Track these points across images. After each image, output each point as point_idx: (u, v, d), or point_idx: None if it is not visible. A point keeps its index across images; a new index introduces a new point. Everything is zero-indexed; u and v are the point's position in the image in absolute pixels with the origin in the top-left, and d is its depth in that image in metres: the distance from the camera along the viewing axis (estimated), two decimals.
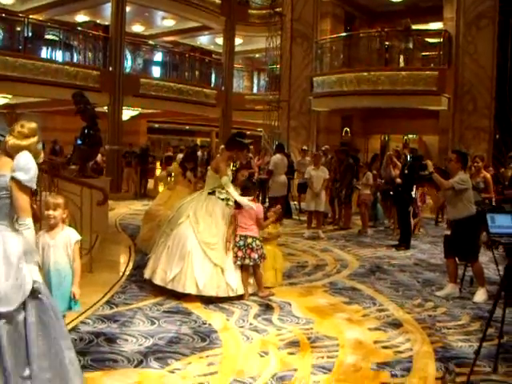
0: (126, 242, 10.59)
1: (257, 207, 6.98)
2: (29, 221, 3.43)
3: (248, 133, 24.00)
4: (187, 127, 31.66)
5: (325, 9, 20.82)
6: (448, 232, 7.37)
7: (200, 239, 6.65)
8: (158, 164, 23.10)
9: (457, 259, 7.35)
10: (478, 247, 7.40)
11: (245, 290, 6.75)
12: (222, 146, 18.74)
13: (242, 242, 6.74)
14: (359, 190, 13.58)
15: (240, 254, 6.69)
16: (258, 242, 6.86)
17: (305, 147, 16.94)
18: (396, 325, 5.98)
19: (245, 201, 6.85)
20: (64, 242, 4.45)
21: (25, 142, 3.51)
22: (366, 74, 18.20)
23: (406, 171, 11.02)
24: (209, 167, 7.80)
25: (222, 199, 7.10)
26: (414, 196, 11.48)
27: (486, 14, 17.40)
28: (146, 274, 6.94)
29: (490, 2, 17.33)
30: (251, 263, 6.76)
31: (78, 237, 4.54)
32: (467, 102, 17.70)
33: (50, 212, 4.44)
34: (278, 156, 13.98)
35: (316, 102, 20.14)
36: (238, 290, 6.66)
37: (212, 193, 7.09)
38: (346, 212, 13.76)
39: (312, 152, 17.26)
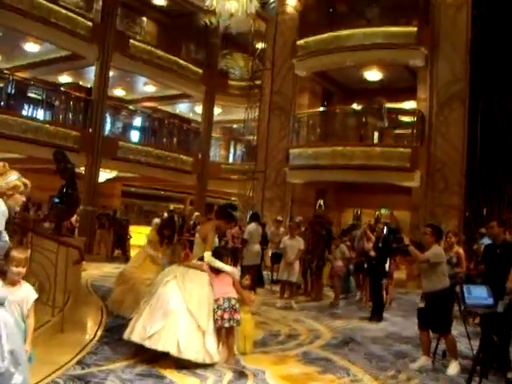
0: (97, 303, 10.43)
1: (232, 270, 7.09)
2: None
3: (222, 201, 24.21)
4: (162, 193, 31.69)
5: (304, 84, 21.47)
6: (422, 304, 7.45)
7: (186, 300, 6.57)
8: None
9: (430, 332, 7.41)
10: (451, 320, 7.47)
11: (230, 353, 6.73)
12: (197, 213, 19.00)
13: (226, 304, 6.73)
14: (332, 262, 13.65)
15: (226, 316, 6.67)
16: (238, 303, 6.90)
17: (279, 218, 17.05)
18: None
19: (228, 267, 6.99)
20: (22, 298, 4.30)
21: None
22: (341, 148, 18.63)
23: (381, 244, 11.17)
24: (197, 235, 7.81)
25: None
26: (387, 269, 11.59)
27: (458, 96, 18.06)
28: (125, 335, 6.69)
29: (461, 85, 18.01)
30: (235, 324, 6.77)
31: (35, 295, 4.42)
32: (438, 179, 18.11)
33: (20, 269, 4.28)
34: (252, 225, 14.03)
35: (291, 173, 20.44)
36: (215, 357, 6.57)
37: (201, 259, 7.09)
38: (317, 283, 13.77)
39: (286, 223, 17.39)
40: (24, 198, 4.06)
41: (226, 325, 6.69)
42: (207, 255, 6.96)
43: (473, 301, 4.94)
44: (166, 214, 17.92)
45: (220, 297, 6.78)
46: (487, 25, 17.82)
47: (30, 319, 4.32)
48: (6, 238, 3.94)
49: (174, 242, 10.98)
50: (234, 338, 6.88)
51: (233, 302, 6.80)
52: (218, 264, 6.97)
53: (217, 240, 7.49)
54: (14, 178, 3.91)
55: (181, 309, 6.50)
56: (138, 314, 6.82)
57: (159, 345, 6.30)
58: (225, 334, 6.77)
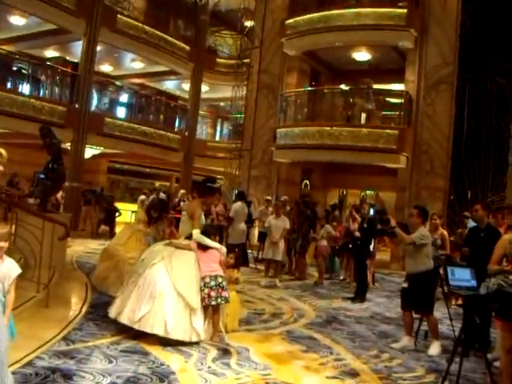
0: (82, 279, 10.41)
1: (221, 247, 7.12)
2: None
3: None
4: (147, 170, 31.62)
5: (292, 63, 21.34)
6: (405, 285, 7.52)
7: (174, 280, 6.58)
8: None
9: (413, 313, 7.50)
10: (433, 301, 7.55)
11: (214, 331, 6.75)
12: (183, 191, 18.97)
13: (213, 283, 6.74)
14: (316, 242, 13.72)
15: (213, 294, 6.68)
16: (225, 281, 6.91)
17: (268, 197, 17.12)
18: (353, 374, 6.03)
19: (217, 245, 7.09)
20: (4, 273, 4.26)
21: None
22: (328, 128, 18.59)
23: (366, 225, 11.24)
24: (183, 212, 7.79)
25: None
26: (371, 250, 11.66)
27: (446, 79, 18.08)
28: (112, 313, 6.75)
29: (450, 68, 18.02)
30: (223, 302, 6.78)
31: (19, 270, 4.40)
32: (424, 161, 18.18)
33: (2, 243, 4.25)
34: (238, 204, 14.02)
35: (278, 153, 20.41)
36: (202, 335, 6.61)
37: (189, 237, 7.10)
38: (300, 262, 13.84)
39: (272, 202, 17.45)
40: (1, 168, 3.99)
41: (213, 303, 6.70)
42: (196, 232, 6.98)
43: (456, 282, 5.02)
44: (161, 195, 17.91)
45: (207, 275, 6.79)
46: (477, 9, 17.83)
47: (9, 294, 4.28)
48: None
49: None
50: (219, 316, 6.89)
51: (219, 279, 6.81)
52: (207, 241, 6.99)
53: (203, 217, 7.51)
54: None
55: (168, 289, 6.53)
56: (123, 293, 6.85)
57: (147, 327, 6.36)
58: (211, 311, 6.80)
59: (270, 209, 15.77)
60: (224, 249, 7.22)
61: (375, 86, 19.80)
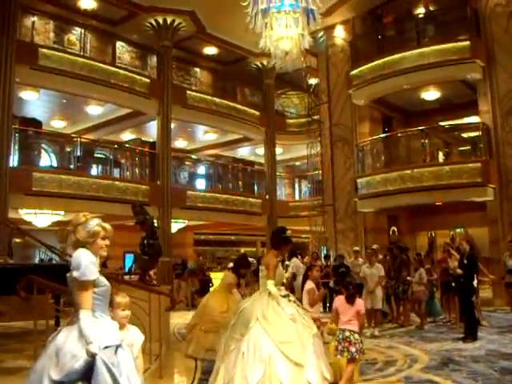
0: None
1: (359, 303, 6.98)
2: (82, 313, 3.68)
3: (293, 239, 24.02)
4: (233, 238, 31.91)
5: (362, 112, 21.39)
6: None
7: (275, 340, 6.51)
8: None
9: None
10: None
11: (349, 381, 6.68)
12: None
13: (340, 336, 6.69)
14: (413, 287, 13.41)
15: (339, 347, 6.63)
16: (356, 335, 6.73)
17: (357, 248, 16.96)
18: None
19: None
20: (131, 341, 4.41)
21: (71, 238, 3.92)
22: (409, 171, 18.39)
23: (466, 261, 10.91)
24: (261, 267, 7.68)
25: (284, 296, 7.04)
26: (476, 286, 11.27)
27: None
28: None
29: None
30: (349, 356, 6.63)
31: (142, 337, 4.56)
32: None
33: (127, 312, 4.47)
34: (295, 260, 15.20)
35: (361, 203, 20.30)
36: None
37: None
38: (405, 308, 13.56)
39: (362, 253, 17.25)
40: (107, 242, 4.15)
41: (339, 356, 6.66)
42: (270, 283, 6.82)
43: None
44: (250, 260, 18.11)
45: (341, 327, 6.77)
46: None
47: (139, 360, 4.43)
48: (106, 281, 4.06)
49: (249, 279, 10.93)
50: (352, 368, 6.74)
51: (347, 333, 6.67)
52: (279, 299, 6.80)
53: (281, 268, 7.43)
54: (93, 224, 4.06)
55: (274, 351, 6.36)
56: (225, 361, 6.67)
57: None
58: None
59: (360, 259, 15.61)
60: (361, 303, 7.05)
61: (449, 123, 19.52)
